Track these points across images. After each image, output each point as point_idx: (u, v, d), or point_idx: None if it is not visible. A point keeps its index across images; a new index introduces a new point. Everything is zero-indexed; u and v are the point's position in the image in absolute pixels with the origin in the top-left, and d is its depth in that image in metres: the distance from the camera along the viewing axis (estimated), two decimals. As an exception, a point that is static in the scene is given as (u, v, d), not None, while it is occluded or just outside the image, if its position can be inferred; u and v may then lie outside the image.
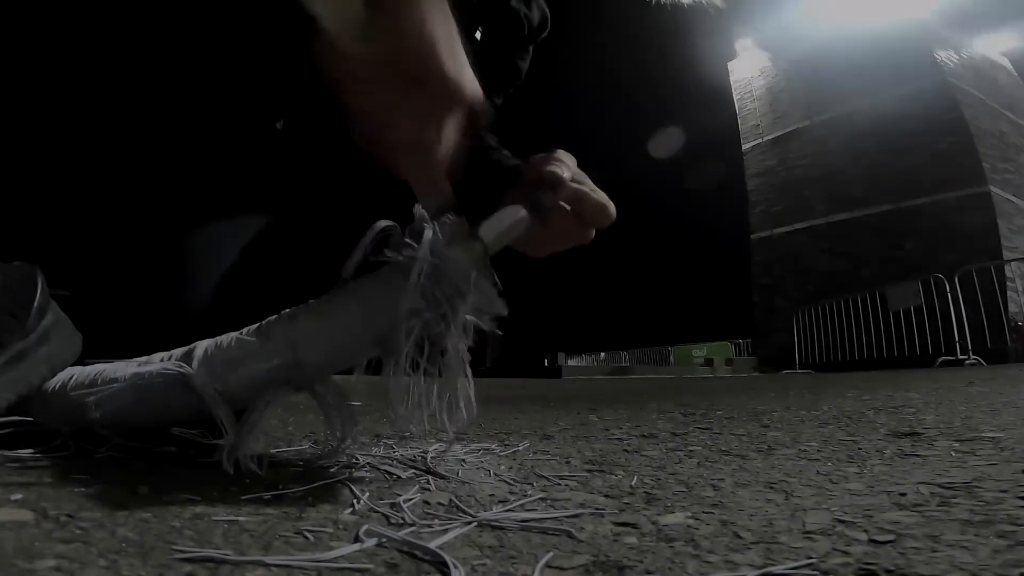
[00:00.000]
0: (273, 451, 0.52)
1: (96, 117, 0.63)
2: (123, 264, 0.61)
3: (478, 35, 0.71)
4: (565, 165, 0.52)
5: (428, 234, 0.42)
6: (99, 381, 0.46)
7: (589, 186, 0.53)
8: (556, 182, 0.50)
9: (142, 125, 0.65)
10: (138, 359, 0.47)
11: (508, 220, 0.46)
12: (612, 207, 0.52)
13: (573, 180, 0.52)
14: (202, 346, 0.45)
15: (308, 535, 0.29)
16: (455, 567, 0.25)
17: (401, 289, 0.42)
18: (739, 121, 10.78)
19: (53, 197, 0.63)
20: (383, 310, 0.43)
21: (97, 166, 0.63)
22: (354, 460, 0.46)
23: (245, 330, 0.45)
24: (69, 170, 0.63)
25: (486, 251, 0.44)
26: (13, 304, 0.47)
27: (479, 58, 0.77)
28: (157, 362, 0.46)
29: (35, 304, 0.49)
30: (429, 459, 0.49)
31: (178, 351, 0.46)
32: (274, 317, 0.45)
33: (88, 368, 0.49)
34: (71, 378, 0.48)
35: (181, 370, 0.42)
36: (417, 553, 0.27)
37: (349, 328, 0.44)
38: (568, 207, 0.51)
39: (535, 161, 0.55)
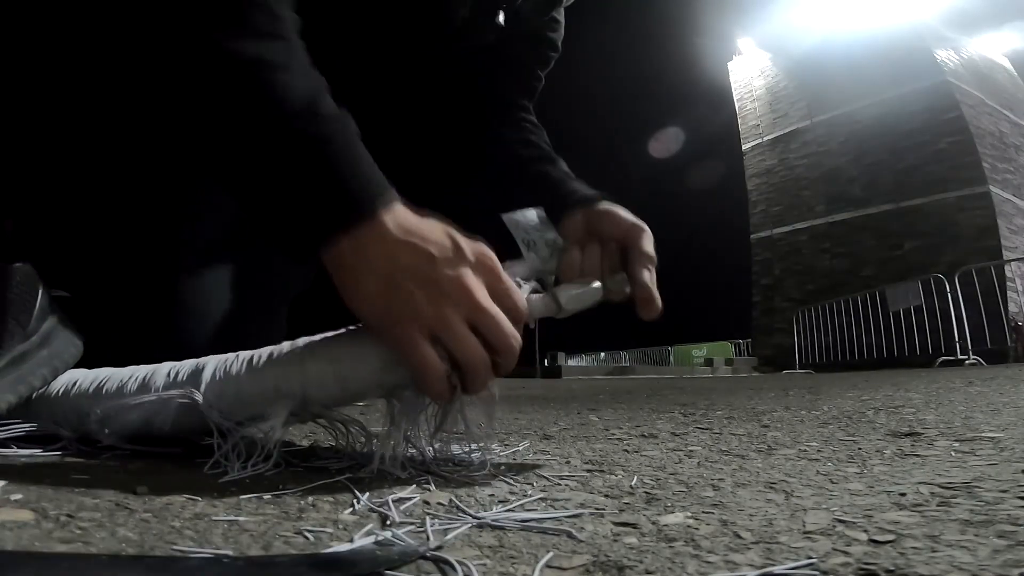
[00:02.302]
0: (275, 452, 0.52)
1: (102, 109, 0.63)
2: (125, 264, 0.61)
3: (501, 18, 0.70)
4: (653, 264, 0.58)
5: None
6: (104, 391, 0.46)
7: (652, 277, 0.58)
8: (653, 266, 0.57)
9: (148, 112, 0.64)
10: (144, 368, 0.47)
11: (589, 298, 0.52)
12: (661, 307, 0.57)
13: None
14: (211, 367, 0.44)
15: (308, 535, 0.29)
16: (455, 567, 0.25)
17: None
18: (739, 121, 10.78)
19: (55, 196, 0.63)
20: (403, 375, 0.43)
21: (102, 162, 0.63)
22: (354, 461, 0.46)
23: (255, 356, 0.45)
24: (73, 167, 0.63)
25: (556, 314, 0.49)
26: (13, 306, 0.47)
27: (509, 41, 0.77)
28: (163, 376, 0.45)
29: (36, 306, 0.49)
30: (429, 459, 0.49)
31: (186, 367, 0.45)
32: (287, 347, 0.45)
33: (92, 373, 0.49)
34: (75, 384, 0.48)
35: (190, 396, 0.42)
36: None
37: (363, 379, 0.44)
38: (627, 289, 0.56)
39: (624, 226, 0.59)
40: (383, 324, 0.42)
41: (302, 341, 0.45)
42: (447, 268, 0.42)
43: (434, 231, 0.43)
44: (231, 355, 0.45)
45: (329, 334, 0.46)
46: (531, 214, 0.55)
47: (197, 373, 0.44)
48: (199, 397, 0.42)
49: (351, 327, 0.45)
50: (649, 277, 0.56)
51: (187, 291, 0.62)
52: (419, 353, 0.41)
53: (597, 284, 0.53)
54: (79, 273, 0.60)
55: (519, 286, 0.46)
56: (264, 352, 0.45)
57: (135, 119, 0.63)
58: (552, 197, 0.63)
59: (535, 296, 0.48)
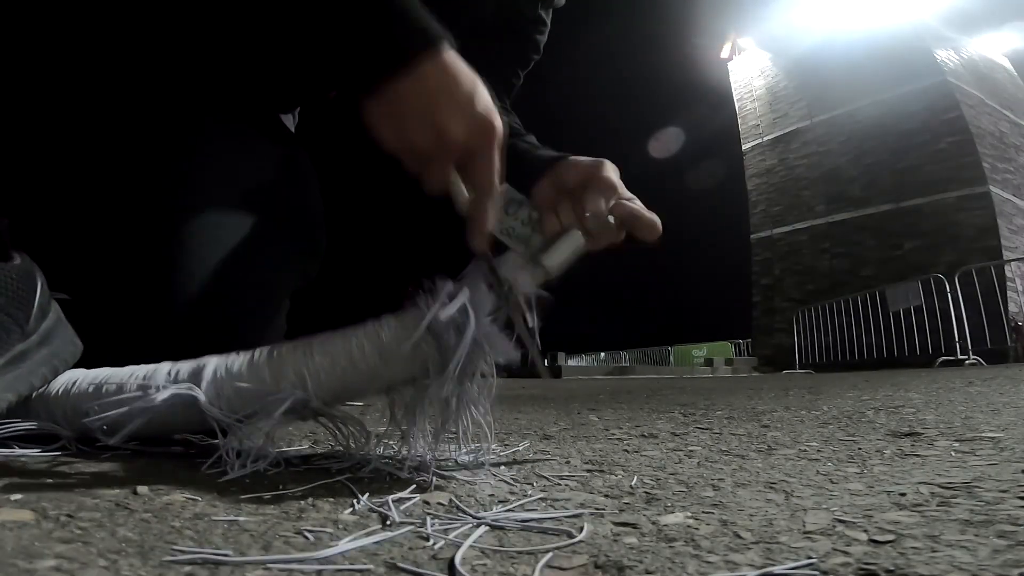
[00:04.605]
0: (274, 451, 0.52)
1: (98, 106, 0.62)
2: (123, 262, 0.61)
3: None
4: (613, 191, 0.56)
5: (472, 322, 0.43)
6: (103, 391, 0.46)
7: (636, 201, 0.57)
8: (612, 194, 0.56)
9: (156, 106, 0.64)
10: (144, 368, 0.47)
11: (569, 248, 0.52)
12: (659, 222, 0.56)
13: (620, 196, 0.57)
14: (211, 365, 0.44)
15: (308, 535, 0.29)
16: (455, 567, 0.25)
17: (427, 356, 0.43)
18: (739, 121, 10.77)
19: (49, 192, 0.63)
20: (403, 370, 0.44)
21: (97, 158, 0.62)
22: (354, 461, 0.46)
23: (256, 353, 0.45)
24: (67, 164, 0.63)
25: (548, 276, 0.50)
26: (12, 305, 0.47)
27: (493, 33, 0.77)
28: (164, 375, 0.45)
29: (35, 305, 0.49)
30: (429, 460, 0.49)
31: (185, 367, 0.45)
32: (289, 345, 0.45)
33: (91, 373, 0.49)
34: (74, 383, 0.48)
35: (191, 392, 0.42)
36: (417, 554, 0.27)
37: (363, 375, 0.44)
38: (614, 221, 0.55)
39: (583, 167, 0.58)
40: (418, 154, 0.48)
41: (303, 339, 0.45)
42: (483, 106, 0.48)
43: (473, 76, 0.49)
44: (232, 354, 0.45)
45: (329, 332, 0.46)
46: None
47: (198, 372, 0.44)
48: (199, 394, 0.42)
49: (352, 326, 0.45)
50: (605, 204, 0.55)
51: (186, 288, 0.61)
52: (450, 182, 0.48)
53: (575, 232, 0.52)
54: (77, 271, 0.60)
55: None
56: (265, 350, 0.45)
57: (130, 108, 0.63)
58: (519, 169, 0.62)
59: (521, 274, 0.48)
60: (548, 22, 0.83)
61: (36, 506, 0.31)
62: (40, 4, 0.59)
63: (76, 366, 0.52)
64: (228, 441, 0.42)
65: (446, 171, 0.48)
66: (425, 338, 0.43)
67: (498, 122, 0.49)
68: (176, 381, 0.44)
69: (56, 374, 0.49)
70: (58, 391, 0.48)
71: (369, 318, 0.46)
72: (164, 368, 0.46)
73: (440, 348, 0.42)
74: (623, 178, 0.59)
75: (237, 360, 0.44)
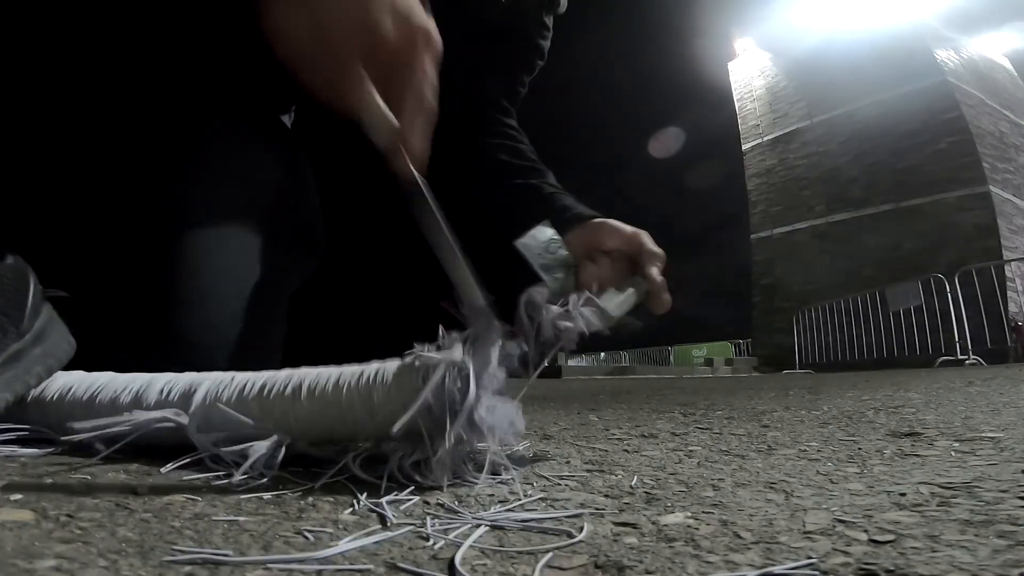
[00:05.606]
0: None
1: (96, 105, 0.62)
2: (122, 261, 0.61)
3: None
4: (663, 261, 0.62)
5: (471, 397, 0.40)
6: (96, 401, 0.46)
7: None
8: (662, 264, 0.61)
9: (144, 108, 0.64)
10: (140, 379, 0.47)
11: (627, 299, 0.56)
12: (671, 302, 0.62)
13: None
14: (203, 389, 0.44)
15: (308, 535, 0.29)
16: (455, 567, 0.25)
17: (418, 425, 0.41)
18: (739, 121, 10.78)
19: (50, 193, 0.63)
20: (391, 427, 0.42)
21: (94, 154, 0.62)
22: (354, 461, 0.46)
23: (248, 384, 0.44)
24: (66, 164, 0.63)
25: (611, 319, 0.53)
26: (8, 304, 0.47)
27: (499, 36, 0.77)
28: (156, 392, 0.45)
29: (28, 303, 0.49)
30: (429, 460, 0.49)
31: (179, 385, 0.45)
32: (282, 378, 0.44)
33: (88, 379, 0.49)
34: (69, 390, 0.48)
35: (179, 420, 0.43)
36: (417, 554, 0.27)
37: (349, 427, 0.44)
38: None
39: (625, 235, 0.62)
40: (331, 60, 0.41)
41: (296, 375, 0.45)
42: (421, 12, 0.42)
43: None
44: (226, 377, 0.45)
45: (322, 369, 0.45)
46: (542, 235, 0.56)
47: (188, 395, 0.44)
48: (186, 420, 0.42)
49: (348, 364, 0.45)
50: (658, 273, 0.61)
51: (187, 288, 0.61)
52: (368, 95, 0.41)
53: (631, 290, 0.57)
54: (77, 270, 0.60)
55: (563, 305, 0.48)
56: (258, 381, 0.44)
57: (129, 107, 0.63)
58: (548, 213, 0.64)
59: (585, 309, 0.49)
60: (551, 28, 0.84)
61: (36, 506, 0.31)
62: (43, 4, 0.59)
63: (72, 365, 0.52)
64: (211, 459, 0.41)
65: (364, 82, 0.40)
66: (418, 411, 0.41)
67: (436, 35, 0.42)
68: (167, 399, 0.44)
69: (51, 373, 0.49)
70: (54, 396, 0.48)
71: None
72: (158, 384, 0.46)
73: (433, 421, 0.41)
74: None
75: (228, 387, 0.44)
